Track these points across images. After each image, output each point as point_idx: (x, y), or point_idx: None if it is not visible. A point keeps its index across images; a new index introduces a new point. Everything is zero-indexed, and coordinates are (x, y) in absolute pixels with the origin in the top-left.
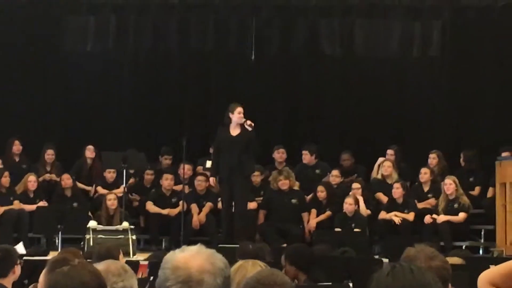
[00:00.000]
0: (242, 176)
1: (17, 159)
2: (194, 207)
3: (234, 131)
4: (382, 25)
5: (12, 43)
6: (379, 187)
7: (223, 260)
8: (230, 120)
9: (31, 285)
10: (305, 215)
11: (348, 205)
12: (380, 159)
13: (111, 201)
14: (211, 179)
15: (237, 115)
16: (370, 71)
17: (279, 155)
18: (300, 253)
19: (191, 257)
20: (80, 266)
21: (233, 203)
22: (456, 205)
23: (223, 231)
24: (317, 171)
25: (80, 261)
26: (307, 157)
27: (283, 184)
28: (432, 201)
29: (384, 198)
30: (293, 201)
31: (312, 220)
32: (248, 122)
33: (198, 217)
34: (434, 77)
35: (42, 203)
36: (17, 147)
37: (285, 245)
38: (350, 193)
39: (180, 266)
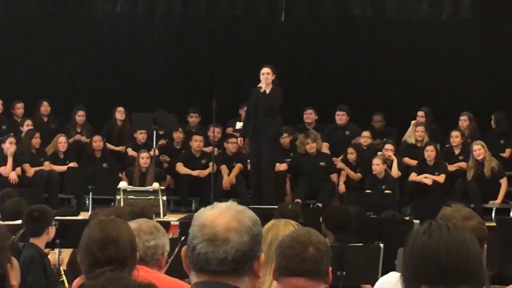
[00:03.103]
0: (266, 137)
1: (45, 120)
2: (224, 168)
3: (260, 92)
4: None
5: (41, 5)
6: (409, 151)
7: (252, 217)
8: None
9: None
10: (333, 176)
11: (376, 165)
12: (413, 122)
13: (144, 159)
14: (239, 140)
15: (262, 77)
16: (400, 33)
17: (307, 115)
18: (336, 214)
19: (218, 214)
20: (112, 221)
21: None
22: (486, 170)
23: (251, 192)
24: (347, 132)
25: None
26: (344, 118)
27: (311, 147)
28: (462, 163)
29: (412, 162)
30: (321, 163)
31: (342, 181)
32: (262, 85)
33: (228, 178)
34: (464, 39)
35: (73, 164)
36: (45, 108)
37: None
38: (379, 153)
39: (207, 224)
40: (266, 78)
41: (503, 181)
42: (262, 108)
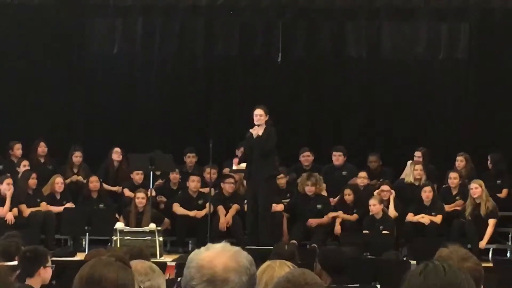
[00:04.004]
0: (262, 178)
1: (42, 161)
2: (220, 208)
3: (255, 133)
4: (409, 27)
5: (38, 44)
6: (406, 190)
7: (248, 258)
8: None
9: None
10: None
11: (372, 206)
12: (410, 162)
13: (140, 199)
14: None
15: (254, 118)
16: (396, 74)
17: (305, 158)
18: (332, 256)
19: (216, 255)
20: (105, 261)
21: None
22: (482, 209)
23: (248, 232)
24: (344, 173)
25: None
26: (340, 158)
27: (309, 190)
28: (460, 202)
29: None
30: (318, 206)
31: (337, 223)
32: (253, 131)
33: (225, 218)
34: (461, 79)
35: (69, 205)
36: (42, 148)
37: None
38: (375, 193)
39: (205, 265)
40: (258, 119)
41: (491, 222)
42: (257, 150)
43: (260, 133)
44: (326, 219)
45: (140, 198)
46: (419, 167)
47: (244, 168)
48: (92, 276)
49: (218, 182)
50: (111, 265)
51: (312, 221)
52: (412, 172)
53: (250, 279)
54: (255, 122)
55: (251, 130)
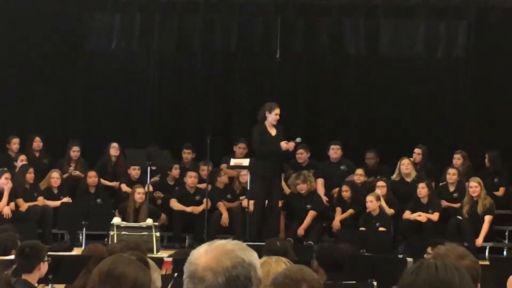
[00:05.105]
0: (281, 176)
1: (37, 155)
2: (221, 205)
3: (272, 131)
4: (407, 25)
5: (37, 39)
6: (397, 187)
7: (236, 259)
8: (264, 118)
9: None
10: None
11: (369, 202)
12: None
13: (140, 194)
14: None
15: (273, 116)
16: (394, 71)
17: (299, 155)
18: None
19: (204, 253)
20: (126, 259)
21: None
22: (480, 207)
23: (252, 228)
24: (342, 167)
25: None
26: (338, 152)
27: (300, 188)
28: (455, 205)
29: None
30: (308, 206)
31: (336, 218)
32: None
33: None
34: (458, 77)
35: (66, 199)
36: (37, 143)
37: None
38: (376, 189)
39: (192, 261)
40: (277, 118)
41: (486, 218)
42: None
43: (275, 133)
44: (308, 219)
45: (141, 194)
46: (406, 161)
47: (242, 164)
48: (112, 272)
49: (212, 177)
50: (132, 263)
51: (300, 230)
52: (398, 168)
53: (229, 281)
54: (273, 122)
55: (283, 146)
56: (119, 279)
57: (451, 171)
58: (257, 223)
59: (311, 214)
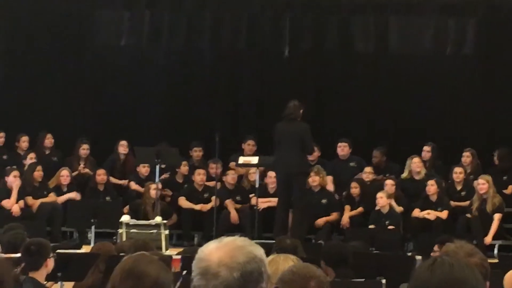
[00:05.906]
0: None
1: (47, 152)
2: (229, 202)
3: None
4: (416, 22)
5: (46, 37)
6: (407, 185)
7: (249, 254)
8: (300, 116)
9: None
10: (334, 214)
11: (379, 198)
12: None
13: (156, 190)
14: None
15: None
16: (403, 69)
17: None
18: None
19: (215, 249)
20: (149, 258)
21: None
22: (489, 205)
23: (277, 226)
24: (352, 164)
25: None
26: (345, 149)
27: (313, 180)
28: (463, 203)
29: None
30: (323, 201)
31: (345, 215)
32: None
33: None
34: (467, 74)
35: (75, 194)
36: (49, 140)
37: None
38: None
39: (203, 257)
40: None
41: (496, 216)
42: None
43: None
44: (333, 216)
45: (157, 190)
46: (416, 159)
47: (251, 162)
48: (133, 270)
49: (221, 176)
50: (154, 263)
51: (320, 221)
52: (409, 166)
53: (244, 276)
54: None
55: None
56: (140, 277)
57: (457, 169)
58: (280, 221)
59: (334, 215)
